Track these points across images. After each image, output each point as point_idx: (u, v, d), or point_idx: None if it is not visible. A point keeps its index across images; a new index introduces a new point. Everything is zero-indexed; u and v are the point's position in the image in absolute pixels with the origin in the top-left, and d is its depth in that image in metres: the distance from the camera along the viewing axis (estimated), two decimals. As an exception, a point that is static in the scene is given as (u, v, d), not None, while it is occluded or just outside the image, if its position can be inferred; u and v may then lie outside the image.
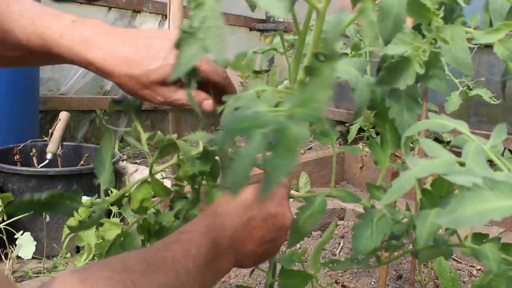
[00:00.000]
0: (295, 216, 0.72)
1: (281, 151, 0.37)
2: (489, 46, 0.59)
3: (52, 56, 0.68)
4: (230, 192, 0.38)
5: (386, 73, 0.59)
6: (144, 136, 0.70)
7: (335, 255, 2.18)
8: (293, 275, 0.75)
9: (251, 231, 0.64)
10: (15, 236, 1.80)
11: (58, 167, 2.18)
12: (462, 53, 0.54)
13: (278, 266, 0.80)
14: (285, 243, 0.72)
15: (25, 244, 1.80)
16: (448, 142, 2.09)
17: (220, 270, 0.62)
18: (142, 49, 0.66)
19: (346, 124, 3.37)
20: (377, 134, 1.44)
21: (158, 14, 3.71)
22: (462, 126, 0.50)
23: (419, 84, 0.60)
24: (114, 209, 1.86)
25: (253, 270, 0.82)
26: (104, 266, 0.51)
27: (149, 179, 0.72)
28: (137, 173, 2.09)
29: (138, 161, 2.94)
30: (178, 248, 0.56)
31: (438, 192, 0.65)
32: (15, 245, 1.79)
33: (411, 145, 1.34)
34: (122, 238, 0.74)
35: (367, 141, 1.37)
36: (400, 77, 0.59)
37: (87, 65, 0.67)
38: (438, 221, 0.38)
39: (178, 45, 0.54)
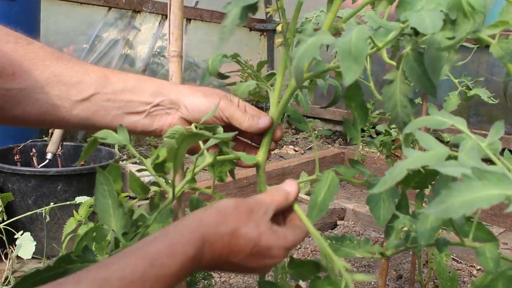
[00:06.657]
0: (312, 195, 0.72)
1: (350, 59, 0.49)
2: (488, 46, 0.59)
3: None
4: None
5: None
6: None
7: (335, 255, 2.18)
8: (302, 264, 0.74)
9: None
10: (15, 236, 1.79)
11: (58, 167, 2.18)
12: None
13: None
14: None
15: (25, 244, 1.80)
16: (448, 142, 2.09)
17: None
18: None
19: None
20: (377, 134, 1.45)
21: (158, 14, 3.72)
22: (460, 123, 0.50)
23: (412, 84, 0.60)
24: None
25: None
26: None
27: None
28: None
29: (138, 161, 2.93)
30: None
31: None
32: (15, 245, 1.79)
33: (411, 145, 1.34)
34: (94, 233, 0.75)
35: (366, 141, 1.37)
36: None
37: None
38: (428, 211, 0.38)
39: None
